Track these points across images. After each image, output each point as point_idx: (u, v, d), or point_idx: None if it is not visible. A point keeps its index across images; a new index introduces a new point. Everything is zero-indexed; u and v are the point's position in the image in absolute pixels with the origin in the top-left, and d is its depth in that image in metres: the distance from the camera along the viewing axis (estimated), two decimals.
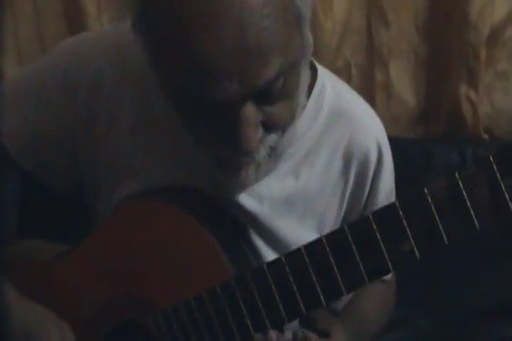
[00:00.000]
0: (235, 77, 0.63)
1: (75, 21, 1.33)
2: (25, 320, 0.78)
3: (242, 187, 0.80)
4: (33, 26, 1.33)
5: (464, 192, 0.59)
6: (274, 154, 0.73)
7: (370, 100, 1.28)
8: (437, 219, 0.60)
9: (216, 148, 0.71)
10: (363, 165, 0.84)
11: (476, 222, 0.60)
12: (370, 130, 0.85)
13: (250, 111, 0.66)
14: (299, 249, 0.69)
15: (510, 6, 1.22)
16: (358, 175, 0.84)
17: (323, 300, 0.69)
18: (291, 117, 0.72)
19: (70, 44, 0.84)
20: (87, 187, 0.89)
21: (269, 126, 0.69)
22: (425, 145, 1.22)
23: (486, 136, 1.28)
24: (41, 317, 0.79)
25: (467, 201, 0.59)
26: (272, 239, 0.84)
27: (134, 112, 0.81)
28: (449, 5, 1.24)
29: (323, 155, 0.83)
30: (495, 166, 0.59)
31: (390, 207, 0.64)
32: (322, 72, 0.85)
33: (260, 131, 0.68)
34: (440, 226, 0.61)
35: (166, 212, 0.79)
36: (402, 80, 1.27)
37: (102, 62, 0.81)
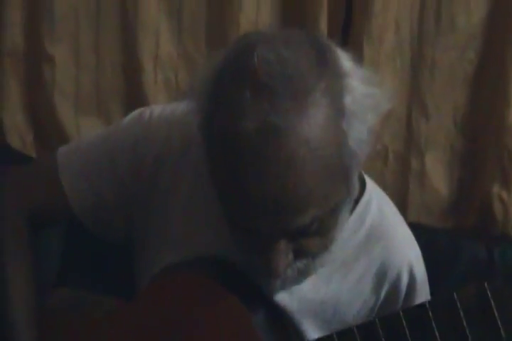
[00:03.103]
0: (271, 220, 0.69)
1: (131, 75, 1.42)
2: None
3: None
4: (93, 75, 1.43)
5: (492, 303, 0.63)
6: (304, 273, 0.77)
7: (405, 186, 1.34)
8: (465, 324, 0.64)
9: (249, 254, 0.77)
10: (394, 288, 0.87)
11: (502, 331, 0.64)
12: (405, 255, 0.88)
13: (282, 243, 0.71)
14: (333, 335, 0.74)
15: None
16: (389, 296, 0.87)
17: None
18: (324, 249, 0.76)
19: (139, 117, 0.90)
20: (136, 245, 0.94)
21: (299, 253, 0.74)
22: (454, 237, 1.24)
23: None
24: None
25: (494, 311, 0.62)
26: (294, 334, 0.87)
27: (189, 188, 0.87)
28: (489, 106, 1.30)
29: (357, 270, 0.87)
30: None
31: (420, 307, 0.68)
32: (370, 187, 0.89)
33: (290, 257, 0.73)
34: (467, 332, 0.64)
35: (205, 287, 0.83)
36: (437, 171, 1.32)
37: (168, 139, 0.86)
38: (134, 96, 1.44)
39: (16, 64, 1.44)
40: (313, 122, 0.67)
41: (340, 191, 0.72)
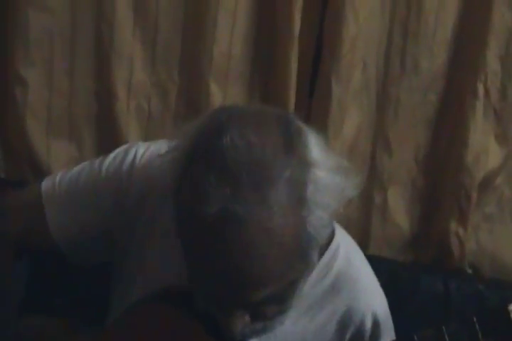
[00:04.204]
0: (228, 295, 0.73)
1: (104, 101, 1.44)
2: None
3: None
4: (66, 99, 1.44)
5: None
6: (261, 332, 0.80)
7: (367, 220, 1.39)
8: None
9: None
10: (359, 332, 0.90)
11: None
12: (369, 302, 0.91)
13: (240, 311, 0.75)
14: None
15: (502, 156, 1.35)
16: (354, 339, 0.90)
17: None
18: (281, 314, 0.79)
19: (124, 154, 0.92)
20: (114, 276, 0.97)
21: (256, 317, 0.77)
22: (414, 270, 1.29)
23: (470, 271, 1.37)
24: None
25: None
26: None
27: (167, 225, 0.87)
28: (448, 146, 1.36)
29: (322, 314, 0.90)
30: (477, 326, 0.68)
31: None
32: (339, 233, 0.91)
33: (247, 319, 0.76)
34: None
35: (175, 318, 0.85)
36: (399, 206, 1.38)
37: (151, 179, 0.89)
38: (106, 122, 1.46)
39: None
40: (273, 211, 0.69)
41: (297, 269, 0.75)
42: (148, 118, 1.46)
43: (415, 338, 0.71)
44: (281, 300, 0.77)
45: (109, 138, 1.47)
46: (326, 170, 0.73)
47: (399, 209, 1.38)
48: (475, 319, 0.68)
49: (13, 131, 1.47)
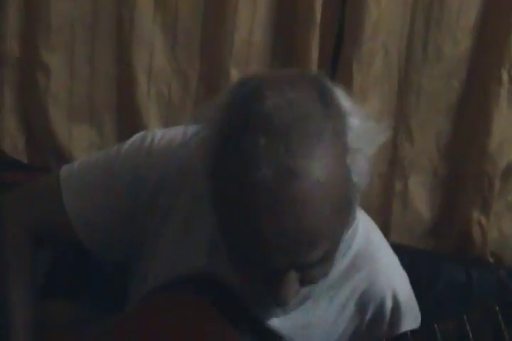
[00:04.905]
0: (287, 257, 0.72)
1: (124, 87, 1.45)
2: None
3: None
4: (87, 85, 1.46)
5: (471, 335, 0.68)
6: (304, 300, 0.82)
7: (388, 208, 1.39)
8: None
9: (252, 286, 0.80)
10: (378, 312, 0.90)
11: None
12: (389, 281, 0.90)
13: (291, 275, 0.75)
14: None
15: None
16: (374, 319, 0.90)
17: None
18: (325, 276, 0.80)
19: (141, 142, 0.92)
20: (131, 264, 0.97)
21: (304, 282, 0.77)
22: (434, 259, 1.29)
23: (491, 260, 1.36)
24: None
25: None
26: None
27: (185, 212, 0.90)
28: (471, 134, 1.35)
29: (342, 293, 0.90)
30: (500, 315, 0.67)
31: (403, 337, 0.72)
32: (357, 212, 0.89)
33: (297, 286, 0.76)
34: None
35: (194, 307, 0.86)
36: (420, 194, 1.37)
37: (168, 166, 0.89)
38: (127, 108, 1.47)
39: (11, 71, 1.47)
40: (323, 163, 0.70)
41: (346, 222, 0.76)
42: (169, 104, 1.46)
43: (436, 328, 0.71)
44: (327, 261, 0.77)
45: (129, 123, 1.48)
46: (360, 118, 0.75)
47: (420, 197, 1.38)
48: (497, 308, 0.67)
49: (36, 117, 1.48)
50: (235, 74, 1.40)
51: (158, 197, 0.90)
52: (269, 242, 0.71)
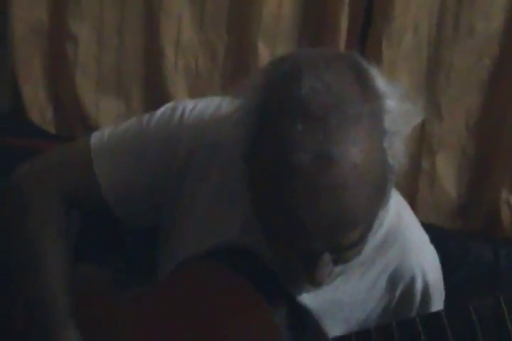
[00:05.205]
0: (325, 240, 0.73)
1: (152, 59, 1.45)
2: None
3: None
4: (115, 56, 1.46)
5: (506, 315, 0.69)
6: (336, 278, 0.83)
7: (415, 186, 1.39)
8: (479, 335, 0.70)
9: (286, 263, 0.80)
10: (408, 291, 0.90)
11: None
12: (420, 259, 0.90)
13: (326, 257, 0.75)
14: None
15: None
16: (404, 298, 0.91)
17: None
18: (358, 255, 0.81)
19: (172, 112, 0.91)
20: (162, 233, 0.98)
21: (338, 261, 0.78)
22: (462, 238, 1.28)
23: None
24: None
25: (508, 323, 0.68)
26: (315, 331, 0.91)
27: (217, 183, 0.90)
28: (501, 112, 1.34)
29: (373, 271, 0.90)
30: None
31: (436, 315, 0.73)
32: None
33: (331, 267, 0.77)
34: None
35: (227, 278, 0.87)
36: (447, 172, 1.37)
37: (200, 136, 0.89)
38: (154, 80, 1.47)
39: (40, 41, 1.47)
40: (361, 147, 0.70)
41: (382, 204, 0.77)
42: (196, 77, 1.47)
43: (471, 308, 0.72)
44: (361, 242, 0.77)
45: (156, 95, 1.48)
46: (396, 100, 0.74)
47: (447, 176, 1.38)
48: None
49: (64, 87, 1.49)
50: (262, 48, 1.40)
51: (189, 168, 0.90)
52: (306, 226, 0.71)
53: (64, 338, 0.89)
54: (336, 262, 0.78)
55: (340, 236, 0.73)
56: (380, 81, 0.75)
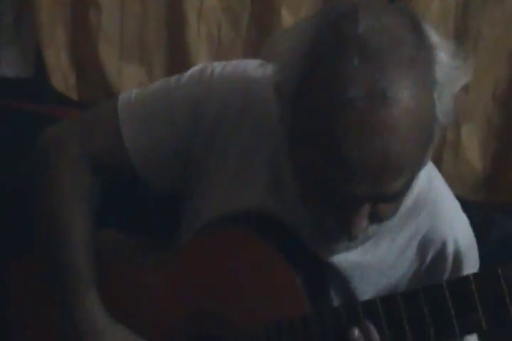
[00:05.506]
0: (369, 184, 0.71)
1: (174, 27, 1.44)
2: None
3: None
4: (138, 23, 1.45)
5: None
6: (369, 238, 0.83)
7: (439, 157, 1.37)
8: (507, 300, 0.69)
9: (321, 217, 0.80)
10: (440, 255, 0.90)
11: None
12: (451, 224, 0.90)
13: (365, 208, 0.75)
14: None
15: None
16: (435, 262, 0.90)
17: None
18: (394, 213, 0.80)
19: (200, 74, 0.91)
20: (187, 197, 0.97)
21: (374, 218, 0.77)
22: (486, 210, 1.26)
23: None
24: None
25: None
26: (344, 293, 0.91)
27: (243, 146, 0.90)
28: None
29: (403, 235, 0.90)
30: None
31: (464, 280, 0.73)
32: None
33: (367, 221, 0.76)
34: (509, 307, 0.70)
35: (250, 242, 0.88)
36: (472, 144, 1.36)
37: (228, 99, 0.89)
38: (177, 48, 1.47)
39: (63, 7, 1.47)
40: (414, 92, 0.69)
41: (426, 156, 0.75)
42: (218, 45, 1.45)
43: (499, 271, 0.71)
44: (401, 194, 0.76)
45: (178, 63, 1.47)
46: (448, 53, 0.73)
47: (472, 147, 1.37)
48: None
49: (86, 55, 1.49)
50: (286, 15, 1.38)
51: (217, 131, 0.90)
52: (351, 166, 0.70)
53: (83, 301, 0.90)
54: (372, 219, 0.77)
55: (385, 181, 0.71)
56: (433, 33, 0.74)
